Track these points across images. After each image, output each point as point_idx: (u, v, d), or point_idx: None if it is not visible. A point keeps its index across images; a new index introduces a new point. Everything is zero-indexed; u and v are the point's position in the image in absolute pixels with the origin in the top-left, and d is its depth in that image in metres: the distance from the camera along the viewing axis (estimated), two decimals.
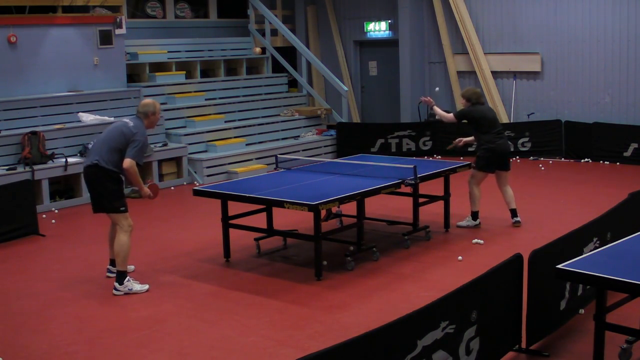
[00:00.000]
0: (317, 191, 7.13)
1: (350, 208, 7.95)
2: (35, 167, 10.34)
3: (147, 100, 7.08)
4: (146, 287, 6.75)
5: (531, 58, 13.81)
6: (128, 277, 6.75)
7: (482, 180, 8.67)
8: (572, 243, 5.51)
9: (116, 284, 6.69)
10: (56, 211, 10.35)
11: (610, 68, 13.05)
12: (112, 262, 7.09)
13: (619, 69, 12.96)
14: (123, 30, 12.55)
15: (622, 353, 4.88)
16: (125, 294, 6.65)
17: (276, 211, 7.76)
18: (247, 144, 13.20)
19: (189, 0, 15.38)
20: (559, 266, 4.41)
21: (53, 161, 10.64)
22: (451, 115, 8.96)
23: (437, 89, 8.06)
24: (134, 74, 13.46)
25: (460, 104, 8.94)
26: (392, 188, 7.52)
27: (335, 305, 6.29)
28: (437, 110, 9.22)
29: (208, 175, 12.21)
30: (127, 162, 6.58)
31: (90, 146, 7.59)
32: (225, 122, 13.51)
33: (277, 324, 5.90)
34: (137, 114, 6.87)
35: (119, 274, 6.70)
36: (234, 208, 7.74)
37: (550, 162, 13.04)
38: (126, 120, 6.85)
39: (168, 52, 14.27)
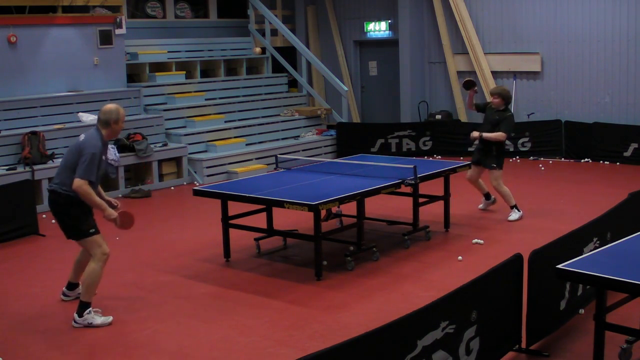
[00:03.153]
0: (317, 191, 7.13)
1: (350, 208, 7.94)
2: (35, 167, 10.35)
3: (110, 106, 6.12)
4: (110, 319, 6.00)
5: (531, 58, 13.81)
6: (89, 309, 5.96)
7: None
8: (572, 243, 5.52)
9: (75, 316, 5.93)
10: None
11: (610, 68, 13.05)
12: (70, 285, 6.55)
13: (619, 69, 12.96)
14: (123, 30, 12.55)
15: (622, 353, 4.88)
16: (85, 327, 5.91)
17: (276, 211, 7.76)
18: (247, 144, 13.20)
19: (189, 0, 15.38)
20: (559, 266, 4.41)
21: (53, 161, 10.64)
22: (504, 135, 8.80)
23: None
24: (134, 74, 13.46)
25: (494, 101, 8.86)
26: (392, 188, 7.52)
27: (335, 305, 6.29)
28: (487, 135, 8.86)
29: (208, 175, 12.21)
30: (75, 183, 5.79)
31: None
32: (225, 122, 13.50)
33: (277, 324, 5.90)
34: (97, 123, 6.07)
35: (81, 304, 5.95)
36: (234, 208, 7.74)
37: (550, 162, 13.04)
38: (83, 134, 6.13)
39: (168, 52, 14.27)
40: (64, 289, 6.61)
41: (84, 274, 6.08)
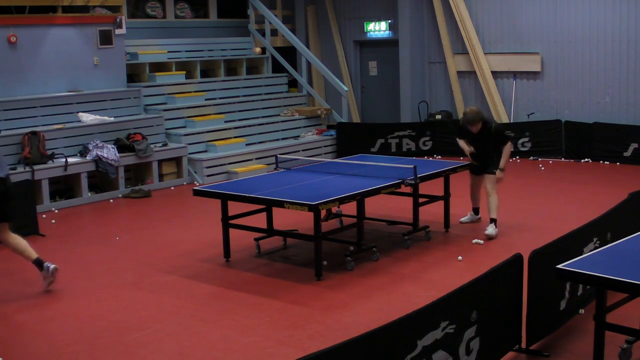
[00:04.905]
0: (317, 191, 7.13)
1: (350, 208, 7.94)
2: (35, 167, 10.34)
3: None
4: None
5: (531, 58, 13.81)
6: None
7: None
8: (572, 243, 5.51)
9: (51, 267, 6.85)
10: (56, 211, 10.34)
11: (610, 68, 13.04)
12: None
13: (619, 69, 12.96)
14: (123, 30, 12.55)
15: (622, 353, 4.88)
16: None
17: (276, 211, 7.76)
18: (247, 144, 13.20)
19: (189, 0, 15.37)
20: (559, 266, 4.41)
21: (53, 161, 10.64)
22: (509, 145, 8.38)
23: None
24: (134, 74, 13.46)
25: (474, 128, 8.23)
26: (392, 188, 7.52)
27: (335, 305, 6.29)
28: (502, 163, 8.38)
29: (208, 175, 12.20)
30: None
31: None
32: (225, 122, 13.50)
33: (277, 324, 5.90)
34: None
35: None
36: (234, 208, 7.74)
37: (550, 162, 13.04)
38: None
39: (168, 52, 14.26)
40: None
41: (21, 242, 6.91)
